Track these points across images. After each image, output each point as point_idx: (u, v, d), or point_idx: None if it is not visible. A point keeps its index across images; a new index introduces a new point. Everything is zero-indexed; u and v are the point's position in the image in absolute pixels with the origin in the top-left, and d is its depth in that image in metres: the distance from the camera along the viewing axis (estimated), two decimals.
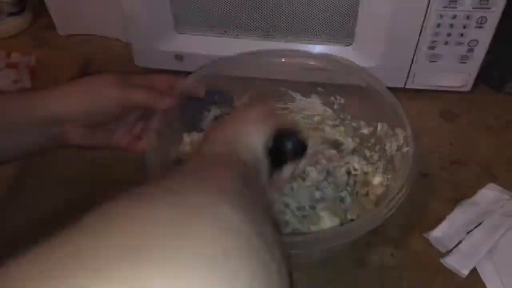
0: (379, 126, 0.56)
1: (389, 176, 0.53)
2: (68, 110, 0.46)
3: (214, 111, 0.59)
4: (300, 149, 0.43)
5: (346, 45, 0.64)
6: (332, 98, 0.61)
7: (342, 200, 0.53)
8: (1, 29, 0.77)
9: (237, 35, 0.65)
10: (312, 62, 0.58)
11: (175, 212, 0.23)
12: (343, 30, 0.62)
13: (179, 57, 0.67)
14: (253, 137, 0.39)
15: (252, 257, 0.22)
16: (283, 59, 0.59)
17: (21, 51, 0.71)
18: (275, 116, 0.43)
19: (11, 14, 0.77)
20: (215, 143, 0.39)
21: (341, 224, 0.50)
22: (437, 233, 0.53)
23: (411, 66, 0.64)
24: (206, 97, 0.55)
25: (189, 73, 0.56)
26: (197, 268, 0.20)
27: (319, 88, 0.61)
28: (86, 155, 0.61)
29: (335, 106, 0.61)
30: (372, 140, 0.57)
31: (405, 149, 0.50)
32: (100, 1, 0.72)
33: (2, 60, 0.69)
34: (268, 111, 0.42)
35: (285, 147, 0.41)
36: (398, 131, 0.52)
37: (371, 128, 0.58)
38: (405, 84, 0.66)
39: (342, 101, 0.60)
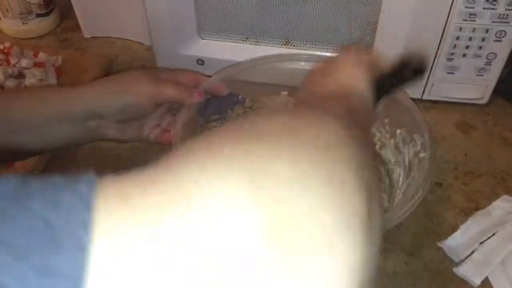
0: (398, 131, 0.56)
1: (405, 183, 0.53)
2: (104, 106, 0.48)
3: (238, 111, 0.60)
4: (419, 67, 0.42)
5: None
6: None
7: None
8: (29, 29, 0.79)
9: (257, 42, 0.67)
10: None
11: (289, 119, 0.27)
12: (363, 40, 0.63)
13: (200, 61, 0.68)
14: (359, 82, 0.40)
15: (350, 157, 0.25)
16: (302, 63, 0.59)
17: (48, 51, 0.73)
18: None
19: (39, 15, 0.79)
20: (314, 94, 0.39)
21: None
22: (451, 243, 0.54)
23: (428, 77, 0.64)
24: (229, 97, 0.57)
25: (210, 77, 0.58)
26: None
27: None
28: (109, 150, 0.63)
29: None
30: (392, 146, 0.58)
31: (422, 154, 0.51)
32: (124, 5, 0.74)
33: (29, 59, 0.71)
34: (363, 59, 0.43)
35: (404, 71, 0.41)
36: (416, 136, 0.53)
37: (390, 134, 0.58)
38: (422, 95, 0.67)
39: None
